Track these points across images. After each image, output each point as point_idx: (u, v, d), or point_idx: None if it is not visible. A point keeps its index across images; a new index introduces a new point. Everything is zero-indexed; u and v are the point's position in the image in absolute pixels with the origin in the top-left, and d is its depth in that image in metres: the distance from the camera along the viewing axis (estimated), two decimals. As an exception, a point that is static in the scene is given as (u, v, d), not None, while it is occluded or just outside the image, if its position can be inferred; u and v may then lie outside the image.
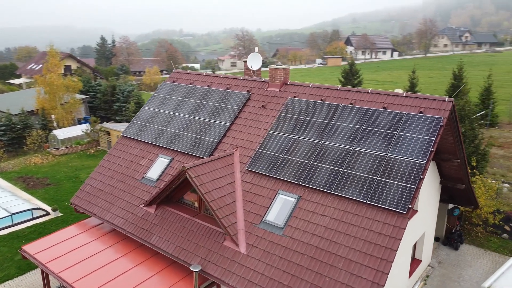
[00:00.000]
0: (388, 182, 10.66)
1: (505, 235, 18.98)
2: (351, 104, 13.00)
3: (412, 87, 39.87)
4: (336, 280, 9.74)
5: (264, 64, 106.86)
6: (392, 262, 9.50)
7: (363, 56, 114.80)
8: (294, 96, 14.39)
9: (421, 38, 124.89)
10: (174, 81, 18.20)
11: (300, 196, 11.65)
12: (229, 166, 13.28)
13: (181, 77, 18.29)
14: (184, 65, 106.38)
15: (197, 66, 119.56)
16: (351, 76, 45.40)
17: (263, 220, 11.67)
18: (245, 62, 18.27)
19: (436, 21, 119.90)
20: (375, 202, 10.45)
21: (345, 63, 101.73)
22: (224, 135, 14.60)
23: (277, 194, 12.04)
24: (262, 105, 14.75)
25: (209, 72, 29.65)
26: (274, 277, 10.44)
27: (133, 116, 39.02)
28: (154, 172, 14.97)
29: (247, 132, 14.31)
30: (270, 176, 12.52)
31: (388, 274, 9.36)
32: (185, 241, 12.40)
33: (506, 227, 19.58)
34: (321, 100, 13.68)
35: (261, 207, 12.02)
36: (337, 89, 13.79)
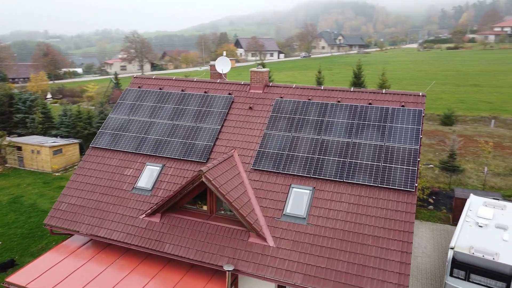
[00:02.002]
0: (392, 166, 12.44)
1: (431, 207, 22.83)
2: (339, 101, 14.55)
3: (319, 83, 43.87)
4: (369, 255, 11.13)
5: (156, 67, 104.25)
6: (413, 233, 11.26)
7: (253, 58, 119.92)
8: (281, 97, 15.40)
9: (301, 40, 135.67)
10: (139, 87, 17.62)
11: (314, 188, 12.76)
12: (234, 167, 13.70)
13: (147, 83, 17.78)
14: (66, 70, 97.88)
15: (79, 70, 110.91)
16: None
17: (283, 213, 12.48)
18: (212, 65, 18.62)
19: (315, 24, 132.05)
20: (385, 185, 12.13)
21: (239, 65, 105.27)
22: (217, 138, 14.90)
23: (291, 188, 12.95)
24: (250, 107, 15.42)
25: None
26: (310, 263, 11.40)
27: (40, 128, 35.49)
28: (145, 181, 14.53)
29: (240, 133, 14.84)
30: (279, 172, 13.36)
31: (412, 242, 11.09)
32: (205, 244, 12.52)
33: (430, 200, 23.53)
34: (309, 99, 14.96)
35: (277, 202, 12.80)
36: (321, 89, 15.22)
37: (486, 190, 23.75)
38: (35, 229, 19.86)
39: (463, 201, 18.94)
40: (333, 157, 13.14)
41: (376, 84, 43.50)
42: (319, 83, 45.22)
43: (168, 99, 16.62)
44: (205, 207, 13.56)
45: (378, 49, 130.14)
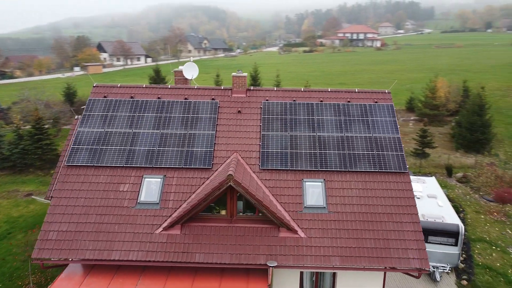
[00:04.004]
0: (384, 153, 14.63)
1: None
2: (321, 101, 16.17)
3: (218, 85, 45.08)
4: (388, 230, 13.06)
5: (5, 76, 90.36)
6: (415, 205, 13.60)
7: (119, 63, 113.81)
8: (266, 99, 16.27)
9: (165, 44, 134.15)
10: (105, 96, 16.29)
11: (324, 179, 14.14)
12: (244, 169, 14.13)
13: (113, 91, 16.54)
14: None
15: None
16: (159, 82, 46.57)
17: (304, 206, 13.54)
18: (177, 71, 18.34)
19: (183, 28, 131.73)
20: (384, 169, 14.24)
21: (107, 70, 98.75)
22: (215, 143, 15.01)
23: (303, 182, 14.07)
24: (239, 111, 15.90)
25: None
26: (342, 245, 12.77)
27: None
28: (149, 195, 13.82)
29: (237, 137, 15.25)
30: (288, 169, 14.32)
31: (418, 214, 13.42)
32: (237, 246, 12.75)
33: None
34: (294, 100, 16.21)
35: (295, 197, 13.79)
36: (302, 91, 16.62)
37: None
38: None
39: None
40: (333, 150, 14.71)
41: (272, 85, 46.86)
42: (218, 84, 46.40)
43: (146, 108, 15.88)
44: (223, 212, 13.65)
45: (242, 52, 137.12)
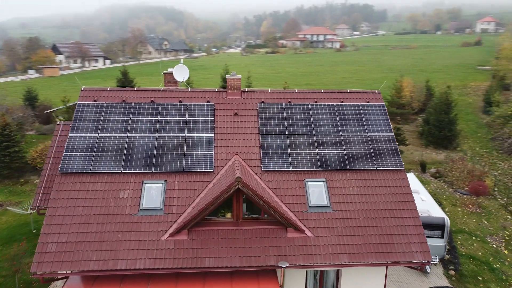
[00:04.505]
0: (380, 152, 15.10)
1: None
2: (316, 102, 16.44)
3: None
4: (391, 225, 13.51)
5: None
6: (414, 200, 14.15)
7: (76, 65, 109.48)
8: (262, 101, 16.31)
9: (123, 45, 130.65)
10: (95, 100, 15.68)
11: (326, 179, 14.39)
12: (248, 171, 14.11)
13: (103, 95, 15.94)
14: None
15: None
16: (127, 84, 45.26)
17: (309, 205, 13.72)
18: (167, 74, 18.02)
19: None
20: (381, 167, 14.70)
21: (64, 72, 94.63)
22: (214, 146, 14.87)
23: (305, 182, 14.24)
24: (235, 113, 15.83)
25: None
26: (349, 242, 13.06)
27: None
28: (151, 201, 13.47)
29: (236, 139, 15.19)
30: (289, 170, 14.45)
31: (416, 209, 13.96)
32: (246, 249, 12.71)
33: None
34: (289, 101, 16.36)
35: (298, 197, 13.94)
36: (296, 92, 16.80)
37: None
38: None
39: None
40: (331, 150, 15.00)
41: (244, 86, 46.84)
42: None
43: (141, 111, 15.46)
44: (228, 215, 13.54)
45: (204, 54, 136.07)
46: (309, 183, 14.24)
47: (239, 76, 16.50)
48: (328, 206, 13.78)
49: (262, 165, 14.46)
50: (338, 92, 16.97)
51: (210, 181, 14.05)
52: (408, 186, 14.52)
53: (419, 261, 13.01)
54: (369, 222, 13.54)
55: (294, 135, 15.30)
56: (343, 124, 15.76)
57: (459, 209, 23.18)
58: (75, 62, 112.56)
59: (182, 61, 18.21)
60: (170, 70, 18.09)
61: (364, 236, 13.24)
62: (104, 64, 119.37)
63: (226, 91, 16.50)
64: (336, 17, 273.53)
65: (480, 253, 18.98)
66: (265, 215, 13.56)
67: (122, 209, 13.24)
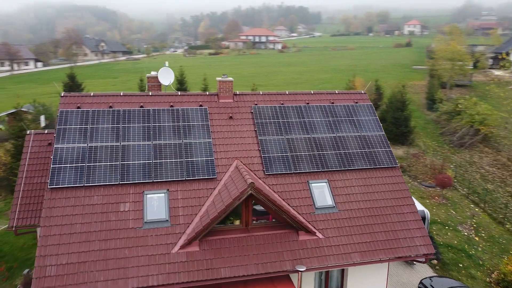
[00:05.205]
0: (375, 150, 15.54)
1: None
2: (308, 103, 16.53)
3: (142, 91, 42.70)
4: (394, 221, 13.97)
5: None
6: (411, 196, 14.74)
7: (4, 68, 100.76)
8: (255, 104, 16.07)
9: (55, 46, 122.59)
10: (78, 107, 14.49)
11: (328, 180, 14.52)
12: (253, 176, 13.82)
13: (86, 101, 14.77)
14: None
15: None
16: (75, 88, 42.39)
17: (316, 207, 13.76)
18: (150, 77, 17.17)
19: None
20: (377, 165, 15.14)
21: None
22: (214, 151, 14.40)
23: (309, 184, 14.26)
24: (230, 116, 15.45)
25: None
26: (359, 241, 13.29)
27: None
28: (155, 213, 12.72)
29: (234, 143, 14.82)
30: (292, 172, 14.38)
31: (414, 204, 14.56)
32: (260, 255, 12.45)
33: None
34: (281, 103, 16.29)
35: (304, 199, 13.92)
36: (287, 94, 16.76)
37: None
38: None
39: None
40: (329, 151, 15.17)
41: (200, 89, 46.02)
42: (143, 91, 43.99)
43: (131, 118, 14.54)
44: (236, 222, 13.17)
45: (145, 55, 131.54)
46: (312, 184, 14.27)
47: (231, 79, 16.12)
48: (334, 206, 13.91)
49: (264, 169, 14.25)
50: (327, 93, 17.21)
51: (214, 188, 13.58)
52: (404, 182, 15.10)
53: (423, 254, 13.56)
54: (374, 219, 13.88)
55: (291, 137, 15.26)
56: (337, 124, 16.00)
57: (427, 201, 24.61)
58: (2, 65, 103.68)
59: (167, 63, 17.40)
60: (153, 73, 17.21)
61: (371, 234, 13.54)
62: (36, 67, 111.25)
63: (217, 95, 16.05)
64: (273, 18, 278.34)
65: (456, 242, 20.29)
66: (273, 220, 13.40)
67: (124, 223, 12.35)
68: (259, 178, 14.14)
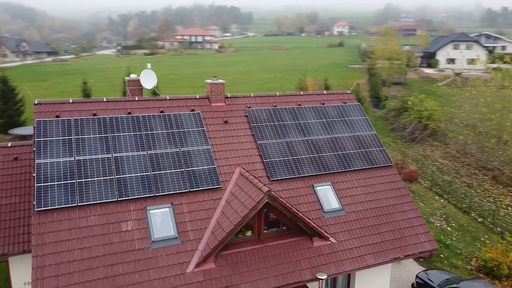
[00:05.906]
0: (370, 150, 15.62)
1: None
2: (299, 105, 16.17)
3: (87, 95, 39.68)
4: (398, 220, 14.11)
5: None
6: (409, 193, 15.01)
7: None
8: (248, 107, 15.36)
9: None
10: (57, 116, 12.77)
11: (331, 182, 14.28)
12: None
13: (65, 109, 13.06)
14: None
15: None
16: (8, 94, 38.14)
17: (324, 211, 13.45)
18: (131, 81, 15.75)
19: None
20: (375, 165, 15.22)
21: None
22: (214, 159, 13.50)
23: (314, 188, 13.92)
24: (225, 121, 14.61)
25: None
26: (369, 242, 13.22)
27: None
28: (163, 230, 11.57)
29: (233, 149, 14.03)
30: (296, 177, 13.94)
31: (412, 201, 14.84)
32: (278, 267, 11.87)
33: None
34: (274, 106, 15.76)
35: (311, 204, 13.55)
36: (278, 95, 16.26)
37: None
38: None
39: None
40: (328, 152, 14.95)
41: (147, 94, 43.77)
42: (87, 95, 40.86)
43: (119, 126, 13.14)
44: (248, 233, 12.43)
45: (74, 56, 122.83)
46: (317, 188, 13.95)
47: (223, 81, 15.27)
48: (341, 209, 13.70)
49: (269, 175, 13.64)
50: (316, 94, 17.01)
51: (220, 198, 12.71)
52: (400, 180, 15.35)
53: (429, 250, 13.85)
54: (380, 219, 13.90)
55: (289, 140, 14.81)
56: (331, 125, 15.84)
57: (396, 195, 25.51)
58: None
59: (149, 65, 16.04)
60: (133, 76, 15.78)
61: (379, 234, 13.53)
62: None
63: (208, 98, 15.12)
64: (205, 18, 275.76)
65: (432, 233, 21.16)
66: (284, 227, 12.87)
67: (130, 244, 11.06)
68: (265, 184, 13.49)
